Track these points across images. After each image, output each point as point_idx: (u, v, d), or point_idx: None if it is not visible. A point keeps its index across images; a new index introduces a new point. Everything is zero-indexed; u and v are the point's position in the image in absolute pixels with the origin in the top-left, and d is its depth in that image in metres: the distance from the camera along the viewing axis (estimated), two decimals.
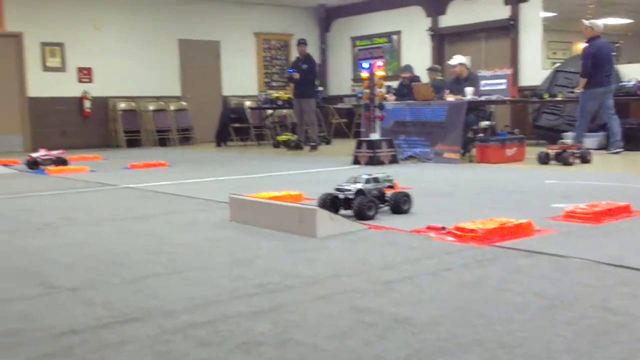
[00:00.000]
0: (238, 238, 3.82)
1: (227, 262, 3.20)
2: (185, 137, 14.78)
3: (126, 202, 5.62)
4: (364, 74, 8.57)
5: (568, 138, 8.94)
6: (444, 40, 14.62)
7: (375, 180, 4.44)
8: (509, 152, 8.46)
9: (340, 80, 16.82)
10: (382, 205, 4.38)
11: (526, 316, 2.24)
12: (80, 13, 13.72)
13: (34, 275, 3.05)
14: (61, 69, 13.63)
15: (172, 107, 14.70)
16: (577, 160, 7.98)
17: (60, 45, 13.58)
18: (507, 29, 13.10)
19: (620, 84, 10.63)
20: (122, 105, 14.19)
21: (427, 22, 14.62)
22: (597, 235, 3.65)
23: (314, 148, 11.71)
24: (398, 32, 15.33)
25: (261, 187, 5.80)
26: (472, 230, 3.51)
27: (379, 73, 8.50)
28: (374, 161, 8.32)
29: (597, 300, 2.42)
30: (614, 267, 2.89)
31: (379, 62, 8.68)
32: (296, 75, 11.86)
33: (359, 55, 16.12)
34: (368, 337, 2.07)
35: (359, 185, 4.32)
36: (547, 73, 12.21)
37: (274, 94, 14.41)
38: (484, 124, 8.90)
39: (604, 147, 9.64)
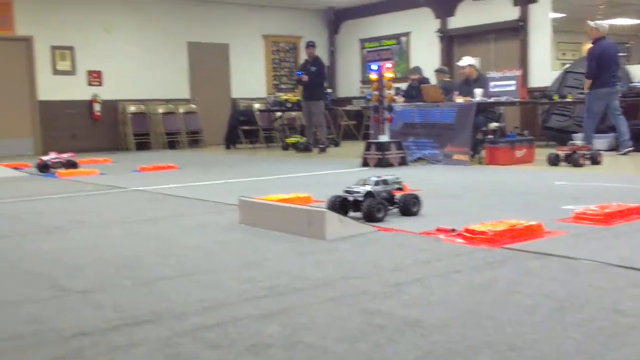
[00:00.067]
0: (247, 240, 3.83)
1: (237, 265, 3.20)
2: (195, 140, 14.82)
3: (136, 205, 5.64)
4: (373, 76, 8.57)
5: (578, 139, 8.91)
6: (453, 42, 14.59)
7: (385, 182, 4.43)
8: (519, 153, 8.43)
9: (349, 82, 16.83)
10: (391, 208, 4.38)
11: (536, 318, 2.23)
12: (90, 17, 13.79)
13: (44, 277, 3.06)
14: (71, 72, 13.71)
15: (181, 110, 14.74)
16: (588, 162, 7.95)
17: (70, 48, 13.65)
18: (517, 30, 13.06)
19: (631, 84, 10.58)
20: (132, 108, 14.25)
21: (436, 24, 14.60)
22: (607, 236, 3.63)
23: (322, 150, 11.71)
24: (407, 34, 15.32)
25: (270, 189, 5.80)
26: (481, 232, 3.50)
27: (388, 75, 8.49)
28: (383, 163, 8.31)
29: (608, 302, 2.41)
30: (625, 269, 2.87)
31: (388, 64, 8.67)
32: (305, 78, 11.87)
33: (368, 57, 16.13)
34: (378, 340, 2.07)
35: (368, 188, 4.31)
36: (556, 74, 12.17)
37: (283, 96, 14.44)
38: (493, 125, 8.89)
39: (614, 148, 9.59)
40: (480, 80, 9.49)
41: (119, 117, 14.28)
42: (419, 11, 14.87)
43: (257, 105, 15.34)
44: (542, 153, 8.78)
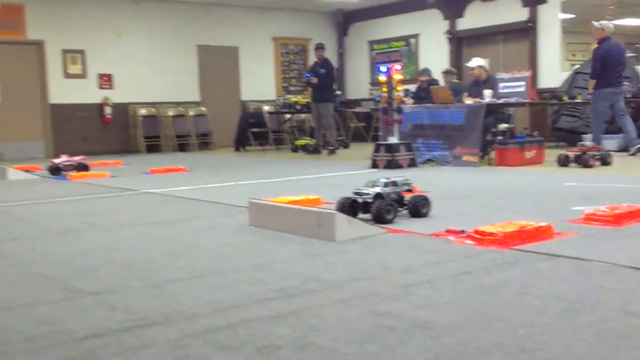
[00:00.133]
0: (257, 242, 3.84)
1: (247, 267, 3.21)
2: (205, 142, 14.86)
3: (147, 207, 5.67)
4: (382, 78, 8.57)
5: (588, 140, 8.87)
6: (461, 43, 14.57)
7: (394, 183, 4.43)
8: (528, 154, 8.41)
9: (358, 84, 16.83)
10: (401, 209, 4.38)
11: (547, 320, 2.23)
12: (100, 20, 13.86)
13: (56, 280, 3.08)
14: (82, 75, 13.78)
15: (191, 113, 14.79)
16: (597, 163, 7.92)
17: (81, 52, 13.73)
18: (526, 31, 13.03)
19: None
20: (142, 111, 14.30)
21: (444, 25, 14.59)
22: (617, 237, 3.62)
23: (332, 152, 11.72)
24: (416, 36, 15.31)
25: (280, 191, 5.81)
26: (491, 234, 3.50)
27: (397, 76, 8.49)
28: (392, 165, 8.31)
29: (618, 303, 2.40)
30: (635, 270, 2.86)
31: (397, 66, 8.67)
32: (314, 80, 11.89)
33: (377, 59, 16.13)
34: (388, 341, 2.07)
35: (378, 189, 4.32)
36: (566, 75, 12.12)
37: (292, 98, 14.46)
38: (503, 126, 8.86)
39: (624, 149, 9.55)
40: (490, 82, 9.47)
41: (129, 119, 14.35)
42: (428, 13, 14.86)
43: (266, 108, 15.37)
44: (551, 154, 8.75)
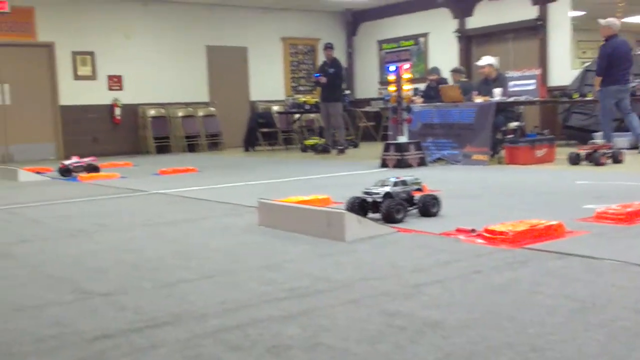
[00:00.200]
0: (267, 242, 3.84)
1: (257, 267, 3.21)
2: (214, 143, 14.89)
3: (157, 208, 5.68)
4: (391, 77, 8.55)
5: (599, 138, 8.83)
6: (471, 42, 14.53)
7: (404, 183, 4.42)
8: (539, 153, 8.37)
9: (367, 83, 16.81)
10: (411, 208, 4.37)
11: (558, 319, 2.22)
12: (110, 22, 13.92)
13: (67, 281, 3.10)
14: (92, 77, 13.84)
15: (200, 113, 14.82)
16: (609, 161, 7.87)
17: (90, 54, 13.79)
18: (536, 29, 12.97)
19: None
20: (152, 112, 14.35)
21: (454, 24, 14.55)
22: (629, 236, 3.59)
23: (341, 152, 11.71)
24: (425, 35, 15.28)
25: (289, 191, 5.81)
26: (502, 233, 3.48)
27: (406, 76, 8.48)
28: (402, 164, 8.29)
29: (630, 302, 2.38)
30: None
31: (406, 65, 8.65)
32: (323, 80, 11.89)
33: (386, 58, 16.10)
34: (398, 341, 2.07)
35: (387, 189, 4.31)
36: (576, 73, 12.06)
37: (301, 98, 14.47)
38: (513, 125, 8.82)
39: (636, 146, 9.49)
40: (500, 80, 9.44)
41: (139, 120, 14.39)
42: (437, 12, 14.82)
43: (275, 108, 15.38)
44: (562, 152, 8.71)
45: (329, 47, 12.23)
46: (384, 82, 14.50)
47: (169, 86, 14.57)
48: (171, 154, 13.95)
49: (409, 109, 8.56)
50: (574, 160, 7.91)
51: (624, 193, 5.22)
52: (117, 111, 14.04)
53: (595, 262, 3.01)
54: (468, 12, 14.28)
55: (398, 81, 8.51)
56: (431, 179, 6.33)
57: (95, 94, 13.84)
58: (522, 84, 9.18)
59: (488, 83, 9.51)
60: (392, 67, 8.58)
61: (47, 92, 13.47)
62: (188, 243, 3.97)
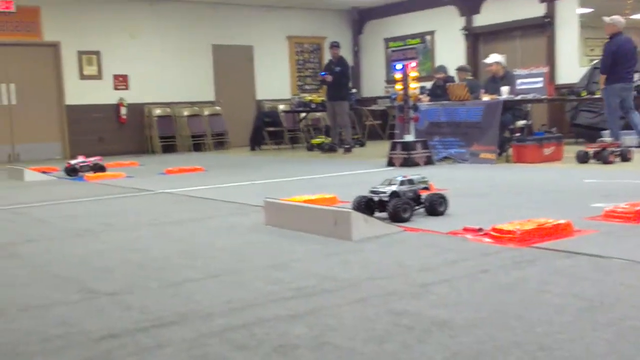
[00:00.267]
0: (273, 242, 3.83)
1: (263, 266, 3.21)
2: (220, 142, 14.89)
3: (162, 208, 5.68)
4: (398, 75, 8.53)
5: (607, 136, 8.78)
6: (478, 40, 14.49)
7: (410, 182, 4.41)
8: (547, 151, 8.33)
9: (373, 82, 16.79)
10: (418, 207, 4.35)
11: (566, 318, 2.20)
12: (115, 21, 13.94)
13: (73, 280, 3.09)
14: (97, 76, 13.87)
15: (206, 112, 14.84)
16: (617, 159, 7.83)
17: (96, 53, 13.81)
18: (543, 27, 12.93)
19: None
20: (158, 111, 14.37)
21: (461, 22, 14.52)
22: (638, 234, 3.57)
23: (348, 150, 11.70)
24: (432, 33, 15.25)
25: (296, 190, 5.80)
26: (509, 232, 3.46)
27: (413, 74, 8.46)
28: (408, 163, 8.27)
29: (639, 300, 2.36)
30: None
31: (413, 63, 8.63)
32: (329, 78, 11.87)
33: (392, 56, 16.08)
34: (406, 340, 2.06)
35: (394, 187, 4.29)
36: (584, 70, 12.01)
37: (307, 97, 14.46)
38: (521, 123, 8.79)
39: None
40: (507, 78, 9.40)
41: (145, 120, 14.42)
42: (444, 9, 14.79)
43: (281, 107, 15.38)
44: (570, 150, 8.67)
45: (335, 45, 12.22)
46: (391, 81, 14.49)
47: (175, 85, 14.59)
48: (177, 154, 13.97)
49: (415, 108, 8.54)
50: (582, 158, 7.87)
51: (632, 191, 5.19)
52: (123, 110, 14.06)
53: (604, 261, 2.99)
54: (475, 9, 14.24)
55: (405, 79, 8.49)
56: (438, 177, 6.30)
57: (101, 94, 13.86)
58: (530, 82, 9.14)
59: (495, 81, 9.48)
60: (398, 66, 8.56)
61: (53, 91, 13.50)
62: (194, 242, 3.96)
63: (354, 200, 4.31)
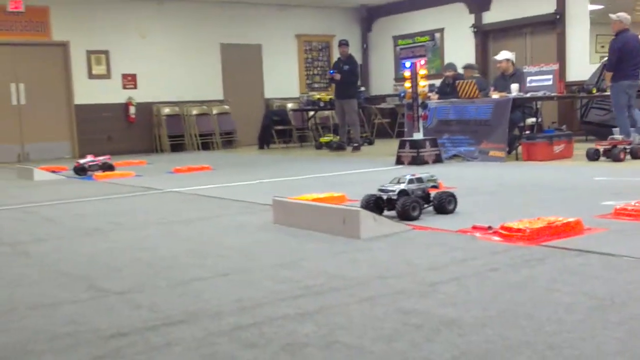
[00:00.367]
0: (282, 240, 3.83)
1: (272, 265, 3.21)
2: (228, 141, 14.91)
3: (171, 206, 5.69)
4: (407, 73, 8.51)
5: (618, 133, 8.73)
6: (487, 37, 14.44)
7: (419, 180, 4.39)
8: (557, 149, 8.30)
9: (382, 80, 16.77)
10: (426, 206, 4.34)
11: (576, 317, 2.19)
12: (124, 21, 13.98)
13: (82, 279, 3.10)
14: (106, 76, 13.92)
15: (214, 111, 14.85)
16: (628, 156, 7.79)
17: (105, 52, 13.86)
18: (553, 24, 12.86)
19: None
20: (166, 110, 14.40)
21: (470, 19, 14.47)
22: None
23: (356, 149, 11.69)
24: (441, 30, 15.20)
25: (304, 189, 5.80)
26: (519, 230, 3.45)
27: (422, 72, 8.43)
28: (417, 161, 8.25)
29: None
30: None
31: (422, 61, 8.61)
32: (337, 76, 11.86)
33: (401, 54, 15.96)
34: (414, 339, 2.05)
35: (402, 186, 4.28)
36: (595, 67, 11.94)
37: (316, 95, 14.45)
38: (530, 120, 8.75)
39: None
40: (517, 75, 9.37)
41: (153, 119, 14.45)
42: (453, 7, 14.75)
43: (290, 105, 15.38)
44: (581, 148, 8.63)
45: (343, 43, 12.21)
46: (399, 79, 14.46)
47: (183, 84, 14.62)
48: (185, 152, 14.00)
49: (424, 106, 8.52)
50: (593, 156, 7.83)
51: None
52: (132, 110, 14.10)
53: (614, 259, 2.97)
54: (485, 6, 14.18)
55: (413, 77, 8.47)
56: (447, 176, 6.29)
57: (110, 93, 13.91)
58: (540, 79, 9.10)
59: (505, 78, 9.45)
60: (407, 63, 8.55)
61: (62, 91, 13.56)
62: (203, 241, 3.97)
63: (362, 199, 4.31)
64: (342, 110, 12.05)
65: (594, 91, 11.15)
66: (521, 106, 8.88)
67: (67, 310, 2.57)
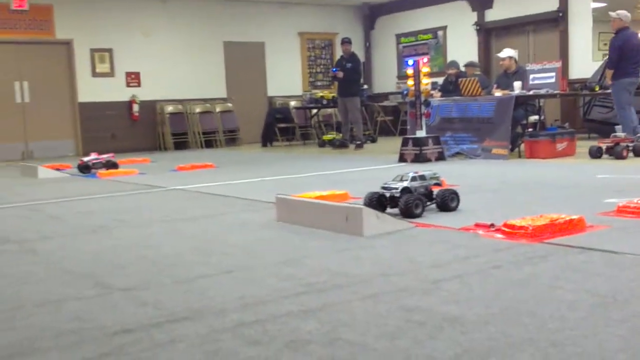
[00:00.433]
0: (285, 238, 3.84)
1: (275, 262, 3.22)
2: (232, 139, 14.92)
3: (175, 204, 5.71)
4: (409, 71, 8.51)
5: (620, 131, 8.72)
6: (490, 35, 14.43)
7: (422, 177, 4.40)
8: (560, 146, 8.29)
9: (385, 77, 16.76)
10: (429, 203, 4.35)
11: (579, 314, 2.20)
12: (127, 19, 13.99)
13: (87, 276, 3.12)
14: (110, 74, 13.93)
15: (218, 109, 14.86)
16: (631, 154, 7.78)
17: (109, 51, 13.87)
18: (556, 21, 12.85)
19: None
20: (170, 108, 14.41)
21: (473, 17, 14.45)
22: None
23: (359, 146, 11.69)
24: (443, 28, 15.19)
25: (307, 186, 5.81)
26: (522, 227, 3.46)
27: (424, 70, 8.44)
28: (420, 159, 8.26)
29: None
30: None
31: (424, 59, 8.61)
32: (340, 74, 11.87)
33: (404, 52, 15.96)
34: (417, 336, 2.06)
35: (405, 183, 4.29)
36: (597, 65, 11.93)
37: (319, 93, 14.45)
38: (533, 118, 8.74)
39: None
40: (519, 73, 9.36)
41: (157, 117, 14.46)
42: (456, 4, 14.73)
43: (293, 103, 15.38)
44: (583, 146, 8.63)
45: (346, 41, 12.21)
46: (402, 76, 14.44)
47: (187, 82, 14.63)
48: (189, 150, 14.01)
49: (427, 103, 8.52)
50: (595, 153, 7.83)
51: None
52: (135, 108, 14.12)
53: (617, 256, 2.98)
54: (487, 4, 14.17)
55: (416, 75, 8.48)
56: (450, 173, 6.29)
57: (114, 91, 13.92)
58: (542, 77, 9.09)
59: (508, 76, 9.44)
60: (410, 61, 8.55)
61: (65, 89, 13.58)
62: (206, 239, 3.98)
63: (365, 197, 4.32)
64: (344, 108, 12.05)
65: (597, 89, 11.14)
66: (524, 104, 8.88)
67: (72, 307, 2.59)
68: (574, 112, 12.19)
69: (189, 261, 3.35)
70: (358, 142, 11.76)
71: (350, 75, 11.87)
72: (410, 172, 4.44)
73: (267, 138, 14.21)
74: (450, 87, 10.51)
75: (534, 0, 13.14)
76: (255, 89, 15.59)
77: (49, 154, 13.12)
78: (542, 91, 8.91)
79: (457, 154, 8.87)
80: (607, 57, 9.35)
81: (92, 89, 13.70)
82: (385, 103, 15.93)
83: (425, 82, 8.53)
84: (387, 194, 4.28)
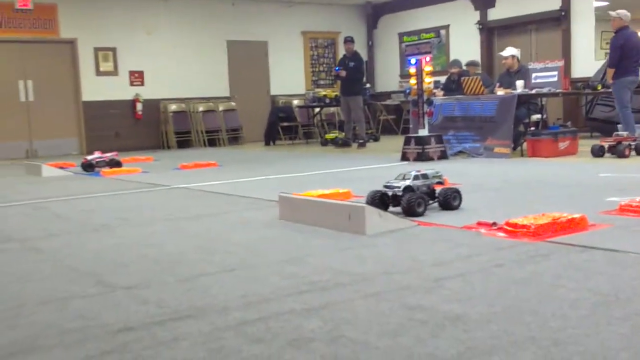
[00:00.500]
0: (288, 236, 3.85)
1: (278, 260, 3.23)
2: (235, 137, 14.93)
3: (178, 202, 5.72)
4: (412, 70, 8.51)
5: (622, 130, 8.72)
6: (493, 34, 14.41)
7: (424, 176, 4.41)
8: (562, 145, 8.29)
9: (387, 76, 16.76)
10: (432, 202, 4.36)
11: (581, 312, 2.20)
12: (131, 18, 14.01)
13: (90, 274, 3.13)
14: (114, 73, 13.94)
15: (221, 108, 14.87)
16: (633, 153, 7.78)
17: (112, 49, 13.88)
18: (558, 20, 12.83)
19: None
20: (173, 107, 14.42)
21: (475, 16, 14.43)
22: None
23: (362, 145, 11.70)
24: (446, 27, 15.18)
25: (310, 185, 5.82)
26: (524, 226, 3.46)
27: (427, 68, 8.44)
28: (422, 157, 8.26)
29: None
30: None
31: (427, 58, 8.61)
32: (343, 73, 11.87)
33: (407, 51, 16.02)
34: (419, 335, 2.07)
35: (408, 182, 4.30)
36: (600, 64, 11.91)
37: (322, 92, 14.45)
38: (536, 117, 8.74)
39: None
40: (522, 72, 9.35)
41: (160, 116, 14.48)
42: (458, 3, 14.72)
43: (296, 102, 15.38)
44: (586, 144, 8.62)
45: (349, 40, 12.20)
46: (405, 75, 14.45)
47: (190, 81, 14.64)
48: (192, 149, 14.02)
49: (430, 102, 8.52)
50: (597, 152, 7.83)
51: None
52: (139, 106, 14.13)
53: (619, 255, 2.98)
54: (490, 3, 14.15)
55: (419, 74, 8.47)
56: (452, 172, 6.30)
57: (117, 90, 13.94)
58: (545, 76, 9.10)
59: (510, 75, 9.44)
60: (412, 60, 8.54)
61: (69, 88, 13.60)
62: (209, 237, 3.99)
63: (368, 195, 4.32)
64: (347, 106, 12.05)
65: (599, 88, 11.13)
66: (526, 103, 8.87)
67: (75, 305, 2.60)
68: (576, 111, 12.18)
69: (192, 259, 3.36)
70: (361, 141, 11.77)
71: (353, 74, 11.87)
72: (412, 171, 4.44)
73: (270, 137, 14.22)
74: (453, 86, 10.51)
75: None
76: (258, 88, 15.60)
77: (53, 152, 13.15)
78: (545, 90, 8.91)
79: (460, 152, 8.87)
80: (608, 56, 9.34)
81: (96, 88, 13.72)
82: (388, 102, 15.92)
83: (428, 80, 8.52)
84: (390, 193, 4.29)
